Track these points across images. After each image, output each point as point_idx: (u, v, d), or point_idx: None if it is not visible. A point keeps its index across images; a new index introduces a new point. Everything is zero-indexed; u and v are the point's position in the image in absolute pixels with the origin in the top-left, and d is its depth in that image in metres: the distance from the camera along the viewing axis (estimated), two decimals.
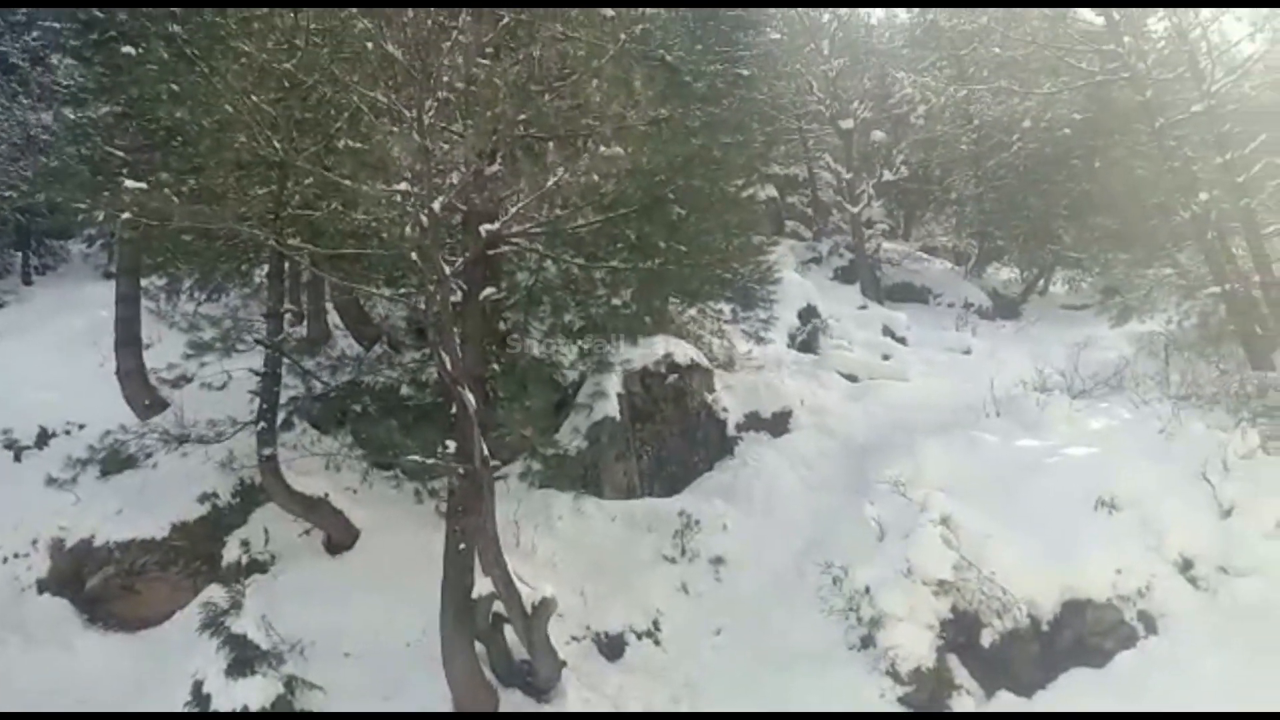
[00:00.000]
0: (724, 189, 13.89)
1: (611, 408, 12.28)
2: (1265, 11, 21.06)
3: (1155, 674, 8.41)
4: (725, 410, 14.02)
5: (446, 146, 8.82)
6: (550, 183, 9.81)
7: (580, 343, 11.81)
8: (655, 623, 10.21)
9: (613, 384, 12.49)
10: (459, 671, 8.75)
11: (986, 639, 8.56)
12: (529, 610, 8.65)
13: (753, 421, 14.33)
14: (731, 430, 13.97)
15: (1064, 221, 19.40)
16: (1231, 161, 14.75)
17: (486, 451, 8.45)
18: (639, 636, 10.13)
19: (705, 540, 11.37)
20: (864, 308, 20.66)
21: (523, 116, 9.53)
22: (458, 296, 8.97)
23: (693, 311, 15.32)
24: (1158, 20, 17.06)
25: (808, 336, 18.15)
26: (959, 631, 8.64)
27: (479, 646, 9.01)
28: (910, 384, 16.64)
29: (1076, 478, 9.96)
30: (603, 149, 9.98)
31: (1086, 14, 17.19)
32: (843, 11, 26.07)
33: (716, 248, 13.86)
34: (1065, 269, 21.65)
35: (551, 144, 10.09)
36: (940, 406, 14.20)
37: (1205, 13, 16.73)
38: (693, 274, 13.17)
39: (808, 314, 18.72)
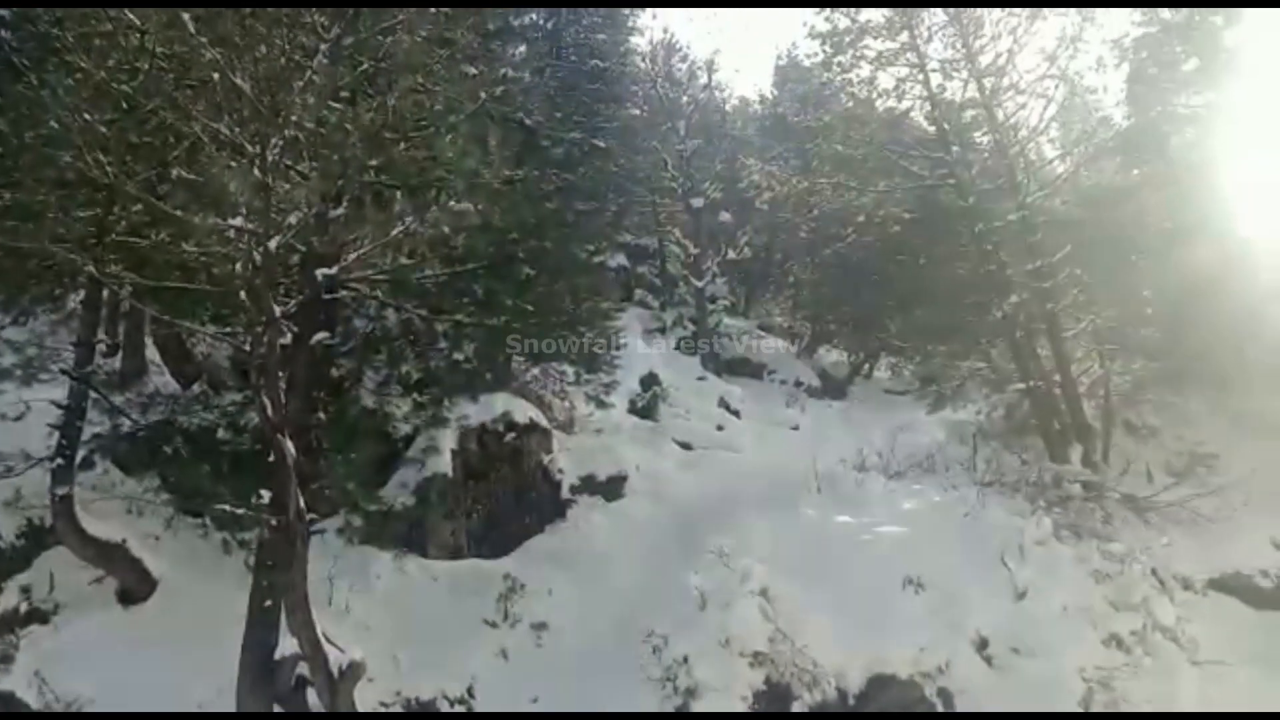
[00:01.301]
0: (575, 253, 14.10)
1: (444, 464, 12.02)
2: (1075, 134, 23.35)
3: None
4: (561, 472, 13.97)
5: (289, 186, 8.55)
6: (396, 231, 9.67)
7: (416, 396, 11.55)
8: (470, 689, 9.91)
9: (447, 440, 12.24)
10: None
11: (796, 711, 8.75)
12: (336, 674, 8.24)
13: (588, 485, 14.33)
14: (566, 493, 13.91)
15: (890, 311, 20.54)
16: (1040, 268, 16.10)
17: (303, 504, 8.09)
18: (452, 703, 9.80)
19: (530, 605, 11.20)
20: (703, 379, 21.18)
21: (373, 163, 9.41)
22: (287, 339, 8.61)
23: (536, 371, 15.30)
24: (983, 134, 18.62)
25: (648, 403, 18.43)
26: (771, 703, 8.80)
27: (278, 710, 8.49)
28: (741, 456, 17.11)
29: (888, 556, 10.44)
30: (454, 203, 9.95)
31: (921, 122, 18.55)
32: (700, 96, 27.27)
33: (564, 309, 13.98)
34: (889, 356, 22.91)
35: (401, 193, 9.96)
36: (768, 479, 14.62)
37: (1024, 132, 18.38)
38: (538, 334, 13.21)
39: (649, 381, 19.04)
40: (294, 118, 8.06)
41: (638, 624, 10.23)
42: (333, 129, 8.76)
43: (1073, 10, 16.71)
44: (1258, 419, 18.58)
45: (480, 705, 9.97)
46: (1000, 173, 17.38)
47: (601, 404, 16.23)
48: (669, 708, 8.83)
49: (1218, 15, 22.70)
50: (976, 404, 16.99)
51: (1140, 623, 10.28)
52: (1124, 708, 9.29)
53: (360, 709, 8.67)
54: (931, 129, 17.85)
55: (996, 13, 16.82)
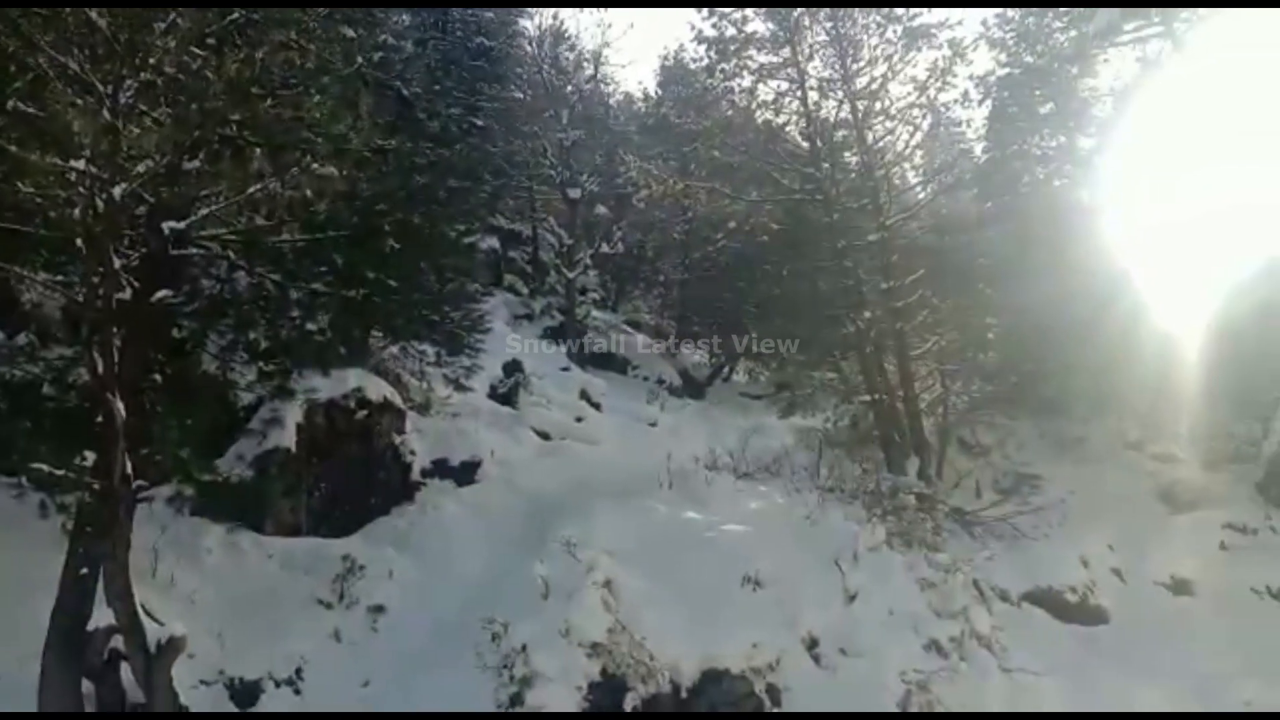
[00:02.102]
0: (444, 231, 13.82)
1: (287, 438, 11.57)
2: (938, 163, 24.45)
3: None
4: (413, 454, 13.68)
5: (140, 131, 8.05)
6: (254, 190, 9.26)
7: (262, 364, 11.05)
8: (299, 671, 9.59)
9: (293, 413, 11.79)
10: (55, 709, 7.70)
11: (629, 703, 8.84)
12: (153, 649, 7.81)
13: (440, 469, 14.11)
14: (416, 475, 13.64)
15: (753, 317, 21.08)
16: (894, 289, 16.79)
17: (130, 469, 7.63)
18: (278, 684, 9.47)
19: (368, 587, 10.92)
20: (567, 369, 21.17)
21: (235, 117, 8.96)
22: (126, 294, 8.10)
23: (394, 349, 14.93)
24: (852, 154, 19.27)
25: (509, 390, 18.29)
26: (605, 694, 8.85)
27: (87, 685, 7.99)
28: (599, 448, 17.19)
29: (731, 553, 10.67)
30: (318, 167, 9.59)
31: (796, 137, 19.06)
32: (585, 86, 27.19)
33: (428, 288, 13.70)
34: (748, 360, 23.49)
35: (262, 151, 9.51)
36: (622, 473, 14.74)
37: (890, 156, 19.13)
38: (399, 310, 12.89)
39: (512, 368, 18.91)
40: (152, 60, 7.59)
41: (479, 611, 10.09)
42: (194, 76, 8.30)
43: (945, 45, 17.47)
44: (1079, 444, 20.01)
45: (308, 688, 9.66)
46: (865, 193, 18.02)
47: (461, 387, 16.01)
48: (503, 696, 8.76)
49: (1073, 65, 24.23)
50: (825, 412, 17.61)
51: (959, 630, 10.83)
52: (938, 708, 9.78)
53: (178, 687, 8.25)
54: (805, 145, 18.37)
55: (875, 38, 17.47)
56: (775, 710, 9.44)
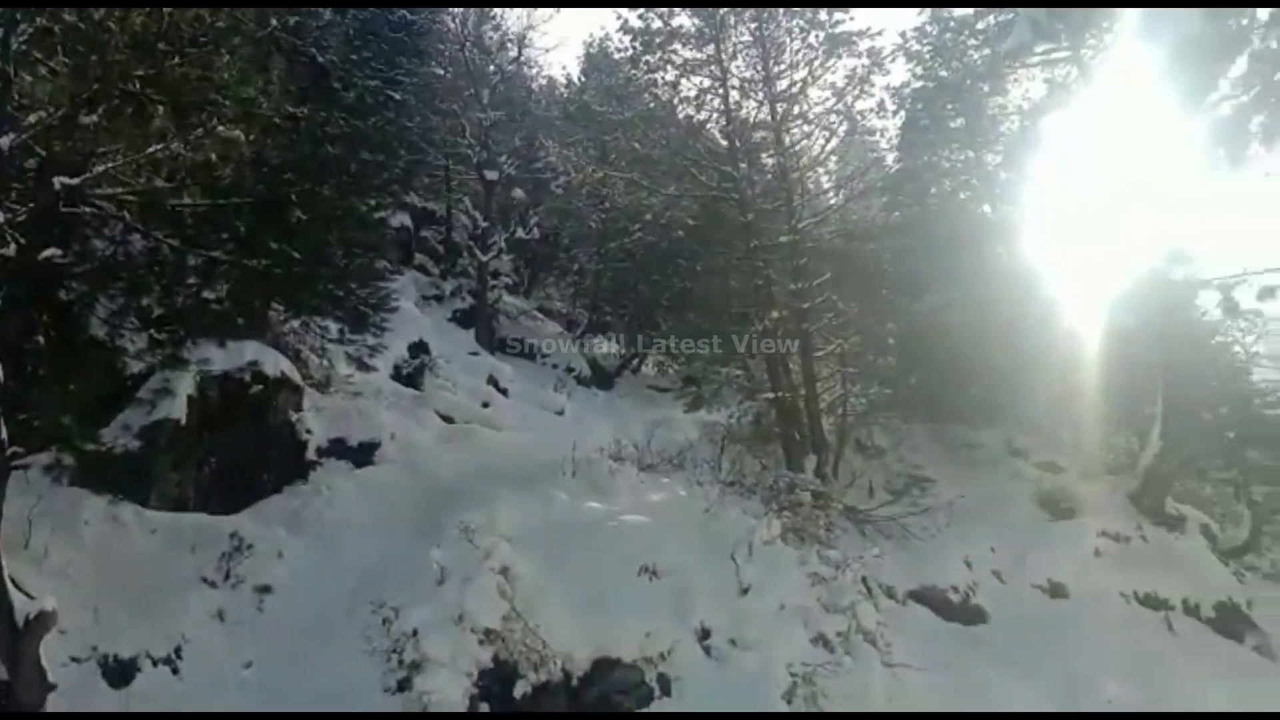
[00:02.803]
0: (354, 204, 13.50)
1: (177, 409, 11.13)
2: (850, 170, 25.00)
3: None
4: (309, 432, 13.33)
5: (33, 80, 7.66)
6: (155, 149, 8.93)
7: (154, 332, 10.62)
8: (178, 650, 9.28)
9: (184, 384, 11.35)
10: None
11: (519, 690, 8.82)
12: (21, 623, 7.45)
13: (337, 448, 13.78)
14: (312, 454, 13.29)
15: (664, 311, 21.24)
16: (801, 290, 17.11)
17: (5, 434, 7.27)
18: (155, 663, 9.14)
19: (255, 566, 10.62)
20: (475, 354, 20.94)
21: (139, 72, 8.59)
22: (10, 250, 7.70)
23: (295, 323, 14.53)
24: (770, 156, 19.54)
25: (414, 371, 17.99)
26: (496, 681, 8.81)
27: None
28: (503, 435, 17.06)
29: (630, 544, 10.74)
30: (224, 129, 9.28)
31: (716, 135, 19.25)
32: (508, 67, 26.88)
33: (334, 262, 13.36)
34: (658, 354, 23.65)
35: (165, 109, 9.15)
36: (526, 460, 14.68)
37: (805, 160, 19.47)
38: (302, 283, 12.55)
39: (418, 349, 18.60)
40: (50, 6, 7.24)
41: (371, 595, 9.95)
42: (95, 27, 7.92)
43: (865, 54, 17.84)
44: (969, 450, 20.76)
45: (188, 667, 9.36)
46: (780, 195, 18.32)
47: (363, 366, 15.67)
48: (391, 681, 8.66)
49: (985, 83, 25.04)
50: (730, 408, 17.86)
51: (846, 625, 11.12)
52: (822, 702, 10.03)
53: (46, 663, 7.89)
54: (724, 143, 18.59)
55: (797, 42, 17.77)
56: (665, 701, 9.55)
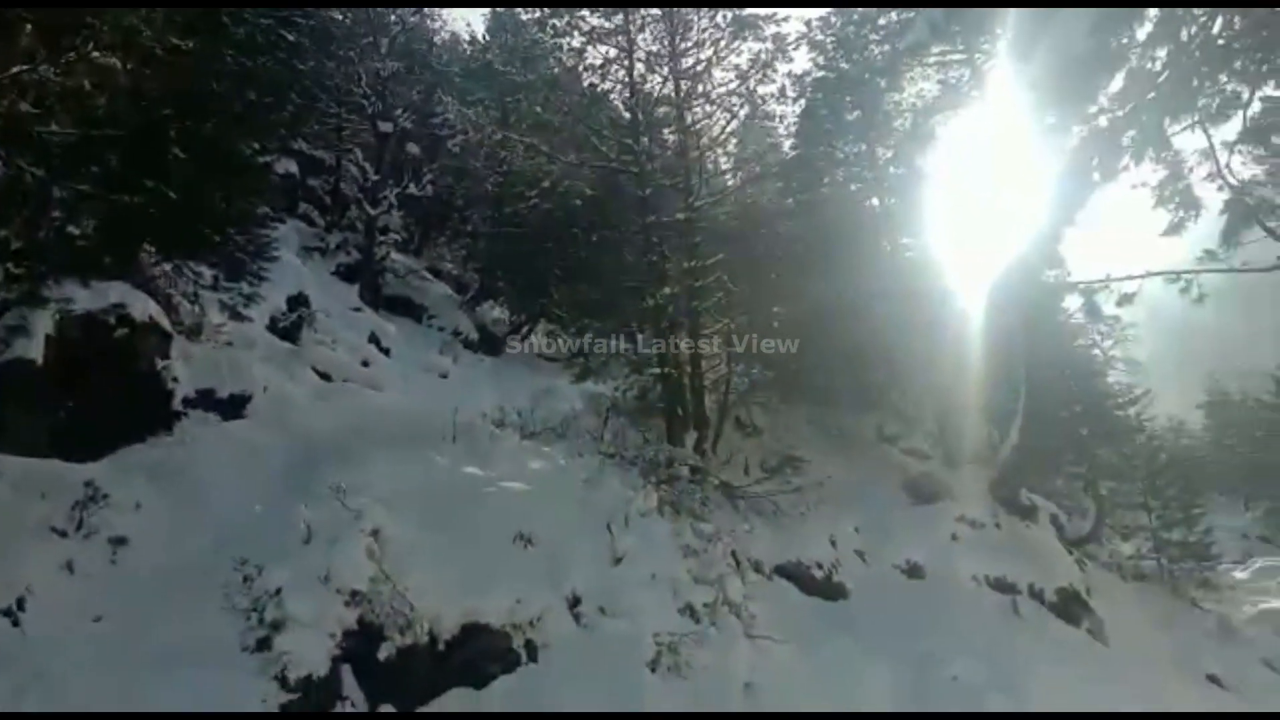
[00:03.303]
0: (238, 146, 12.94)
1: (33, 349, 10.44)
2: (749, 153, 25.34)
3: (528, 699, 9.27)
4: (175, 381, 12.72)
5: None
6: (20, 70, 8.35)
7: (11, 266, 9.95)
8: (20, 601, 8.78)
9: (43, 323, 10.65)
10: None
11: (384, 653, 8.74)
12: None
13: (205, 400, 13.20)
14: (178, 404, 12.69)
15: (557, 281, 21.14)
16: (694, 268, 17.31)
17: None
18: None
19: (110, 518, 10.11)
20: (358, 310, 20.39)
21: None
22: None
23: (167, 266, 13.84)
24: (671, 132, 19.62)
25: (292, 325, 17.39)
26: (360, 643, 8.70)
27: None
28: (383, 395, 16.73)
29: (506, 511, 10.74)
30: (100, 56, 8.76)
31: (619, 106, 19.19)
32: (410, 18, 26.11)
33: (212, 205, 12.79)
34: (548, 323, 23.55)
35: (35, 29, 8.56)
36: (405, 423, 14.42)
37: (706, 139, 19.63)
38: (177, 225, 11.98)
39: (297, 302, 17.99)
40: None
41: (233, 551, 9.63)
42: None
43: (770, 39, 18.05)
44: (842, 434, 21.50)
45: (32, 619, 8.87)
46: (678, 173, 18.44)
47: (238, 316, 15.07)
48: (250, 640, 8.42)
49: (883, 78, 25.67)
50: (617, 381, 17.96)
51: (713, 596, 11.45)
52: (686, 672, 10.29)
53: None
54: (627, 115, 18.55)
55: (705, 20, 17.84)
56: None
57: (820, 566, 15.69)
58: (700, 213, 18.39)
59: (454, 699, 9.03)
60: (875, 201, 24.98)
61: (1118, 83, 17.93)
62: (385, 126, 23.32)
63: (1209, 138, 16.74)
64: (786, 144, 26.50)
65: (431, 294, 23.59)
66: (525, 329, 24.46)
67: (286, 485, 11.86)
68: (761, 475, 17.47)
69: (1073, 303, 21.20)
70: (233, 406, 13.43)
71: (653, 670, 10.08)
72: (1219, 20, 16.37)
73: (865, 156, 25.20)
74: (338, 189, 24.95)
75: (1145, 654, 19.43)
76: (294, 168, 22.84)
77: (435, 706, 8.86)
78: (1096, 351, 30.30)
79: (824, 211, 23.18)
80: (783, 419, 20.70)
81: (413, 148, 25.02)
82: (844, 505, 17.91)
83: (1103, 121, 18.00)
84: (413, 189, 23.84)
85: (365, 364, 17.83)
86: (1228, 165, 16.76)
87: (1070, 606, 18.88)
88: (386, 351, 19.03)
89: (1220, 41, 16.61)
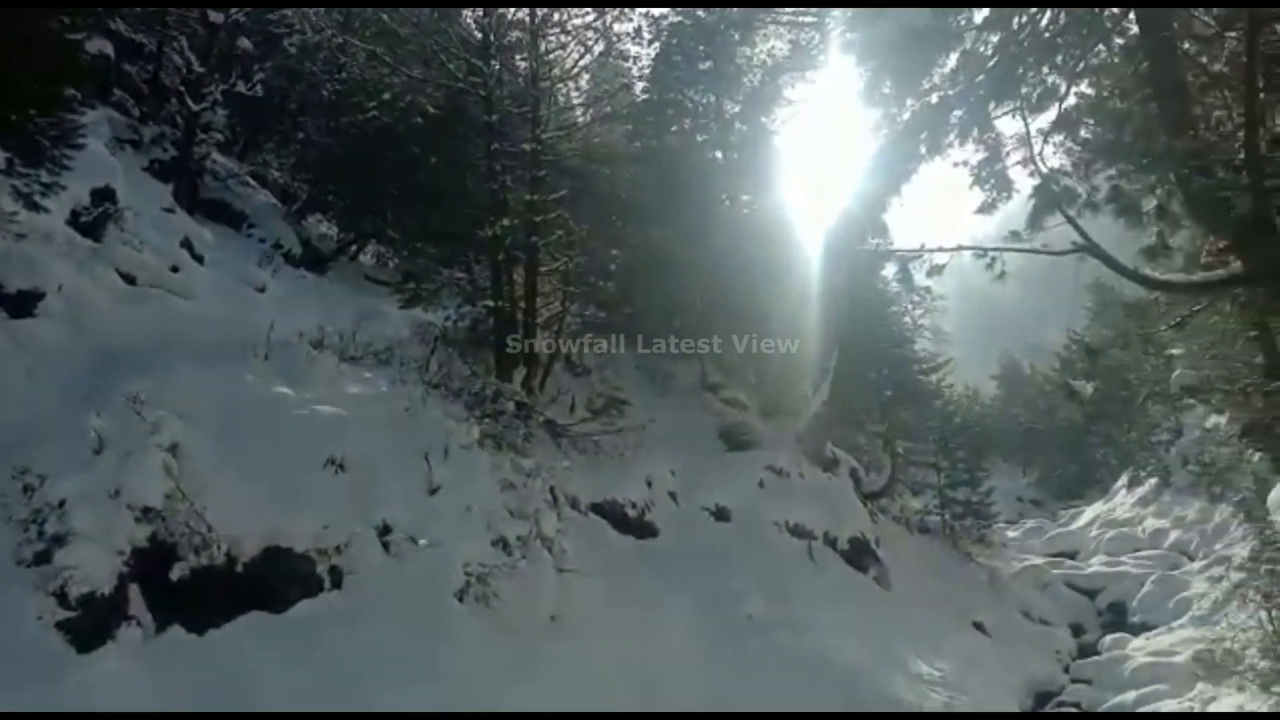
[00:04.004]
0: (44, 23, 11.73)
1: None
2: (600, 91, 25.14)
3: (328, 625, 9.15)
4: None
5: None
6: None
7: None
8: None
9: None
10: None
11: (176, 573, 8.39)
12: None
13: None
14: None
15: (392, 201, 20.37)
16: (536, 202, 17.15)
17: None
18: None
19: None
20: (171, 211, 18.92)
21: None
22: None
23: None
24: (523, 59, 19.18)
25: (95, 220, 15.96)
26: (150, 562, 8.31)
27: None
28: (192, 304, 15.73)
29: (319, 434, 10.43)
30: None
31: (470, 24, 18.57)
32: None
33: (13, 83, 11.59)
34: (379, 244, 22.75)
35: None
36: (215, 335, 13.60)
37: (558, 71, 19.33)
38: None
39: (103, 196, 16.49)
40: None
41: (13, 459, 8.92)
42: None
43: None
44: (667, 380, 22.05)
45: None
46: (527, 102, 18.12)
47: (33, 205, 13.74)
48: (28, 554, 7.87)
49: (737, 32, 25.96)
50: (448, 310, 17.67)
51: (527, 530, 11.61)
52: (494, 603, 10.44)
53: None
54: (479, 35, 17.99)
55: None
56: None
57: (635, 506, 16.18)
58: (547, 146, 18.16)
59: (251, 622, 8.81)
60: (719, 155, 25.42)
61: (952, 61, 18.92)
62: (215, 16, 21.52)
63: (1027, 125, 17.97)
64: (639, 87, 26.44)
65: (254, 201, 22.21)
66: (354, 248, 23.43)
67: (78, 392, 11.03)
68: (586, 415, 17.73)
69: (890, 270, 22.39)
70: (22, 303, 12.33)
71: (460, 600, 10.18)
72: (1047, 14, 17.50)
73: (714, 109, 25.54)
74: (157, 78, 22.91)
75: (922, 600, 21.21)
76: (109, 49, 20.79)
77: (228, 629, 8.61)
78: (908, 319, 32.28)
79: (669, 159, 23.41)
80: (611, 361, 21.01)
81: (245, 43, 23.18)
82: (663, 449, 18.47)
83: (934, 98, 18.98)
84: (241, 87, 22.16)
85: (175, 269, 16.64)
86: (1040, 153, 18.09)
87: (860, 554, 20.33)
88: (200, 258, 17.80)
89: (1046, 35, 17.80)
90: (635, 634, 12.04)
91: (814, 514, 19.60)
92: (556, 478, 14.44)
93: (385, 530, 10.17)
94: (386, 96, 19.29)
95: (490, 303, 16.92)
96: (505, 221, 16.57)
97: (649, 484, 17.03)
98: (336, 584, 9.47)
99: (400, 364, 14.07)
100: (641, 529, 16.10)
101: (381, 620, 9.27)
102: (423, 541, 10.36)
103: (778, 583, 15.92)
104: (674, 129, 25.28)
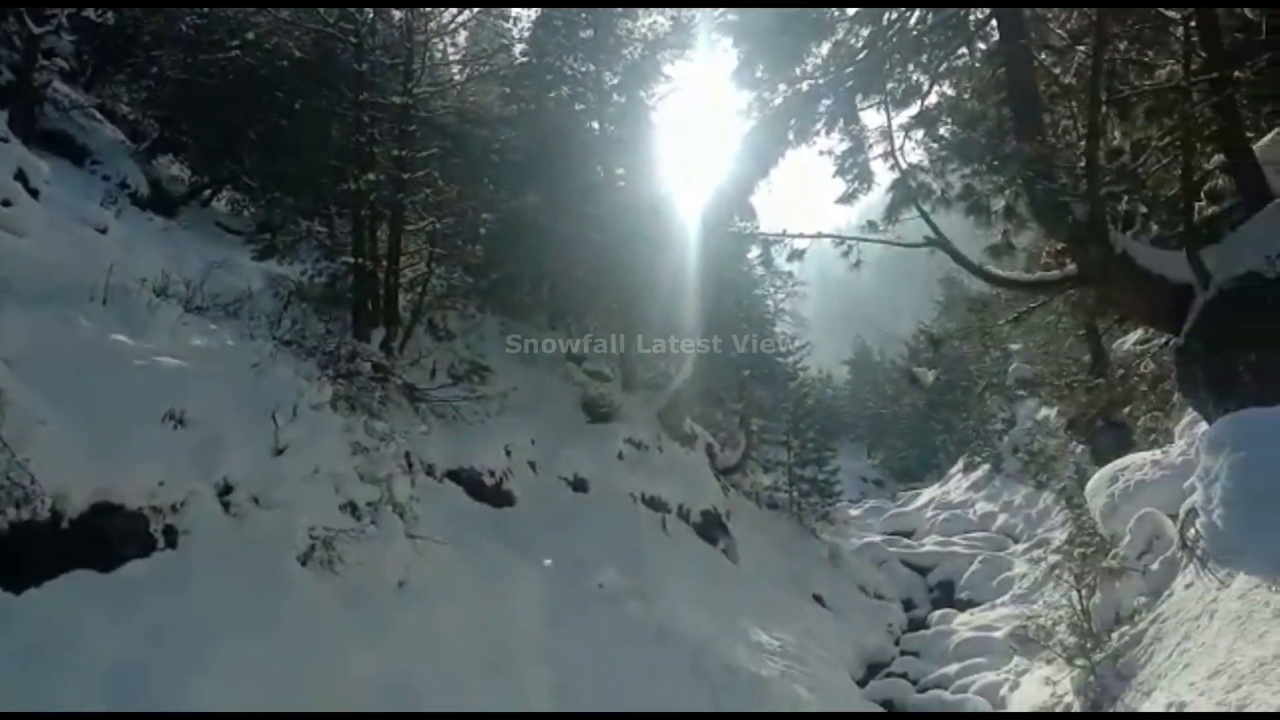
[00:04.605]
0: None
1: None
2: (478, 51, 24.61)
3: (161, 585, 8.74)
4: None
5: None
6: None
7: None
8: None
9: None
10: None
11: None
12: None
13: None
14: None
15: (251, 146, 19.44)
16: (404, 158, 16.74)
17: None
18: None
19: None
20: (5, 140, 17.49)
21: None
22: None
23: None
24: (398, 9, 18.58)
25: None
26: None
27: None
28: (24, 242, 14.49)
29: (157, 387, 9.90)
30: None
31: None
32: None
33: None
34: (235, 190, 21.67)
35: None
36: (47, 276, 12.55)
37: (433, 24, 18.85)
38: None
39: None
40: None
41: None
42: None
43: None
44: (531, 347, 22.00)
45: None
46: (401, 54, 17.65)
47: None
48: None
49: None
50: (305, 265, 17.07)
51: (378, 495, 11.38)
52: (339, 567, 10.22)
53: None
54: None
55: None
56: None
57: (492, 474, 16.14)
58: (419, 101, 17.72)
59: (75, 580, 8.32)
60: (596, 126, 25.35)
61: (824, 50, 19.51)
62: None
63: (890, 119, 18.79)
64: (518, 49, 26.04)
65: (99, 136, 20.74)
66: (208, 193, 22.19)
67: None
68: (447, 381, 17.49)
69: (754, 253, 22.96)
70: None
71: (303, 564, 9.93)
72: (916, 13, 18.24)
73: (593, 78, 25.42)
74: None
75: (767, 573, 22.04)
76: None
77: (49, 588, 8.11)
78: (770, 302, 33.21)
79: (545, 125, 23.22)
80: (475, 327, 20.78)
81: None
82: (524, 417, 18.45)
83: (805, 85, 19.54)
84: (90, 13, 20.66)
85: (7, 203, 15.40)
86: (900, 148, 18.93)
87: (711, 527, 20.93)
88: (35, 193, 16.51)
89: (914, 33, 18.57)
90: (486, 601, 12.03)
91: (670, 487, 20.03)
92: (412, 443, 14.21)
93: (226, 489, 9.77)
94: (251, 36, 18.36)
95: (351, 259, 16.41)
96: (371, 175, 16.06)
97: (508, 452, 16.97)
98: (171, 543, 9.04)
99: (250, 318, 13.51)
100: (499, 497, 16.06)
101: (218, 581, 8.92)
102: (265, 502, 10.01)
103: (631, 553, 16.22)
104: (552, 95, 24.99)
